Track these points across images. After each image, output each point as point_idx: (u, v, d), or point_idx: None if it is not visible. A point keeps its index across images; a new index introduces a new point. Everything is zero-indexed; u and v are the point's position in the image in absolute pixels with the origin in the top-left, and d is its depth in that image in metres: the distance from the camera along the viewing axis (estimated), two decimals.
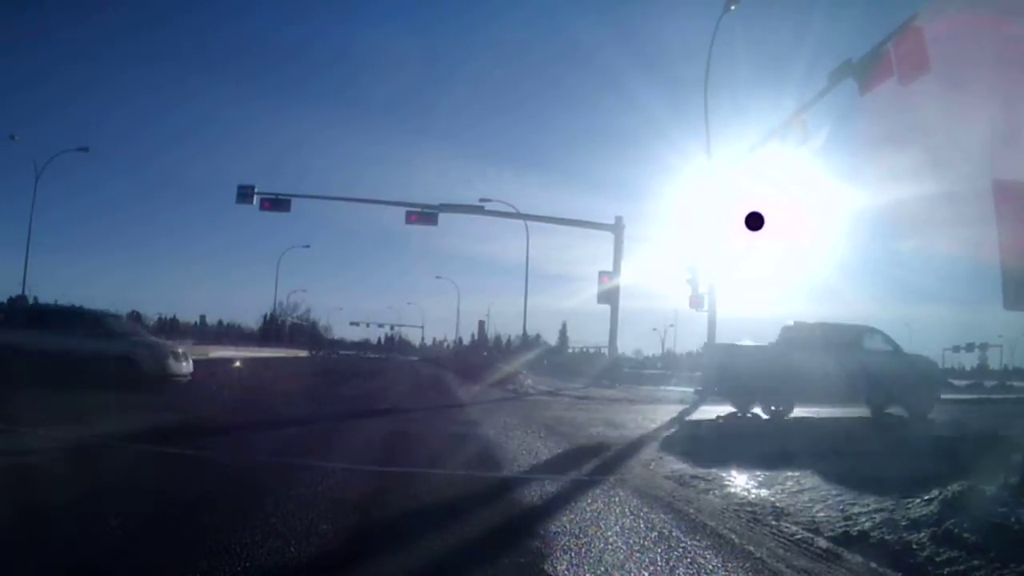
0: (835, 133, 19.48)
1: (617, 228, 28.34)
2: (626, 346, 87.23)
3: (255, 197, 27.06)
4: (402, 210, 28.34)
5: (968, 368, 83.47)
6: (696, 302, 22.16)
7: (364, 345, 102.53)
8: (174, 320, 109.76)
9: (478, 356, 45.73)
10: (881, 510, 4.33)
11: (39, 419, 7.31)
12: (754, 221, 14.49)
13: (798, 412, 12.62)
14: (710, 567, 3.30)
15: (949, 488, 4.12)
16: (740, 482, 5.64)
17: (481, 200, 31.40)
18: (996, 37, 9.14)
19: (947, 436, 8.89)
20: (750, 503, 4.87)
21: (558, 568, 3.19)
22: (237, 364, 24.91)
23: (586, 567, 3.23)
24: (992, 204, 5.14)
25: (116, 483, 4.78)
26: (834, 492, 5.08)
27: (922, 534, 3.65)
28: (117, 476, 5.04)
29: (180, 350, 13.66)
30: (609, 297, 27.68)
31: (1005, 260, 4.96)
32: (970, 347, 75.81)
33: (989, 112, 8.97)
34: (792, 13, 37.62)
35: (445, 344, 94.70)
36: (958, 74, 11.20)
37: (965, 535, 3.49)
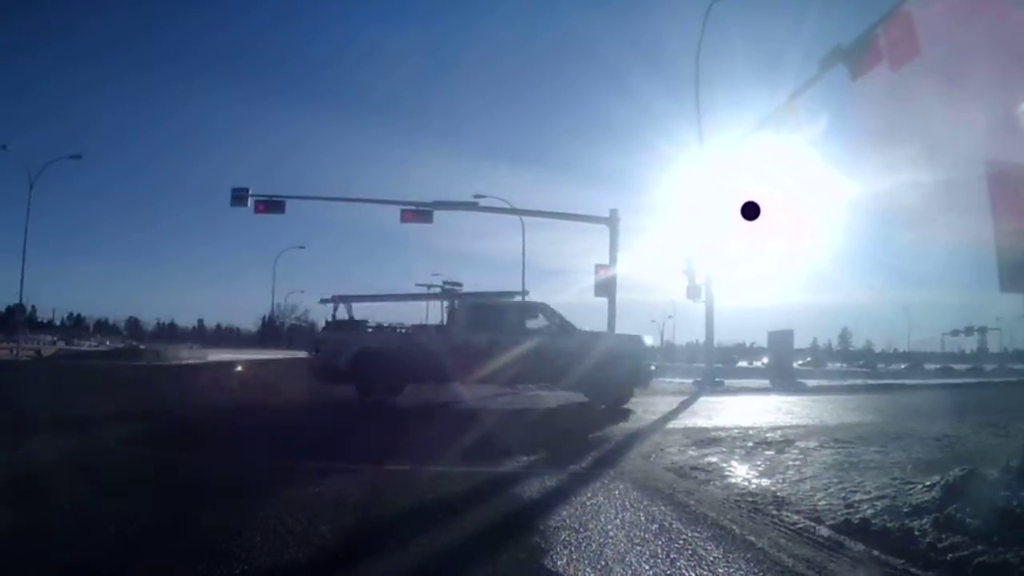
0: (831, 123, 19.41)
1: (612, 221, 28.28)
2: None
3: (249, 199, 27.00)
4: (397, 208, 28.30)
5: (968, 352, 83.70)
6: (693, 293, 22.19)
7: None
8: (172, 325, 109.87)
9: None
10: (883, 497, 4.32)
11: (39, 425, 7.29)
12: (750, 211, 14.47)
13: None
14: (711, 558, 3.28)
15: (950, 473, 4.11)
16: (741, 472, 5.62)
17: (475, 196, 31.29)
18: (989, 20, 9.11)
19: None
20: (751, 493, 4.85)
21: (558, 563, 3.17)
22: (239, 368, 24.82)
23: (586, 561, 3.21)
24: (986, 188, 5.12)
25: (115, 486, 4.75)
26: (835, 480, 5.07)
27: (924, 520, 3.63)
28: (116, 480, 5.00)
29: None
30: (606, 289, 27.65)
31: (1000, 243, 4.94)
32: (969, 331, 75.87)
33: (985, 97, 8.95)
34: (787, 3, 37.55)
35: None
36: (952, 59, 11.18)
37: (967, 520, 3.47)
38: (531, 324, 12.00)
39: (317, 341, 13.35)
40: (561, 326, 11.94)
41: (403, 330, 12.79)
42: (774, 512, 4.28)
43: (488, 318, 11.98)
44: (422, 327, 12.89)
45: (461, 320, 12.21)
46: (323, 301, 13.38)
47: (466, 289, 15.30)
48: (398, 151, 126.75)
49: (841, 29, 17.93)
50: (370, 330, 12.64)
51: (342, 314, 12.99)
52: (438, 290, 15.27)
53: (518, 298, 13.43)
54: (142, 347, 47.92)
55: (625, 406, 11.58)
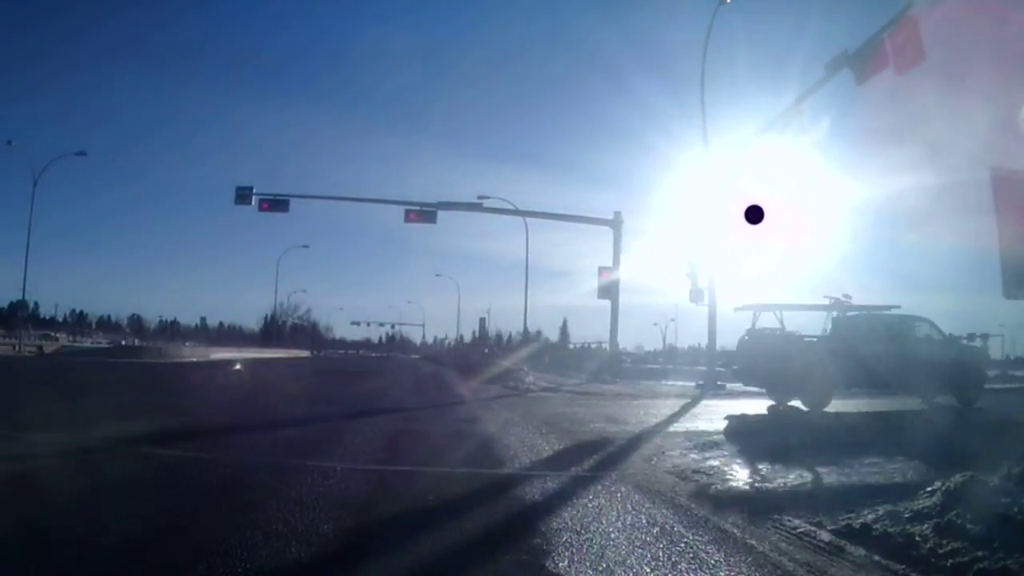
0: (835, 126, 19.36)
1: (616, 223, 28.38)
2: (627, 341, 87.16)
3: (253, 198, 27.12)
4: (401, 209, 28.45)
5: None
6: (696, 296, 22.16)
7: (365, 344, 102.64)
8: (175, 323, 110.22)
9: (479, 353, 45.72)
10: (884, 502, 4.31)
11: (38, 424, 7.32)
12: (754, 214, 14.47)
13: None
14: (712, 561, 3.29)
15: (951, 479, 4.10)
16: (742, 476, 5.62)
17: (479, 197, 31.38)
18: (994, 24, 9.10)
19: None
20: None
21: (560, 564, 3.17)
22: (237, 367, 24.87)
23: (588, 563, 3.22)
24: (990, 193, 5.12)
25: (116, 485, 4.77)
26: (836, 484, 5.06)
27: (925, 526, 3.63)
28: (117, 478, 5.02)
29: None
30: (609, 292, 27.75)
31: (1004, 248, 4.94)
32: (971, 337, 75.22)
33: (989, 101, 8.94)
34: (792, 5, 37.51)
35: (446, 342, 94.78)
36: (957, 63, 11.16)
37: (968, 526, 3.47)
38: (920, 334, 13.12)
39: (745, 348, 14.11)
40: (941, 336, 13.12)
41: (814, 339, 13.58)
42: (775, 516, 4.28)
43: (889, 329, 13.01)
44: (836, 336, 13.33)
45: (872, 331, 12.98)
46: (738, 309, 14.62)
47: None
48: (402, 152, 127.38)
49: (844, 30, 17.94)
50: (812, 339, 13.47)
51: (763, 322, 13.90)
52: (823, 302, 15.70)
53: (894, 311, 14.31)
54: (139, 344, 48.07)
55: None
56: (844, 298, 13.73)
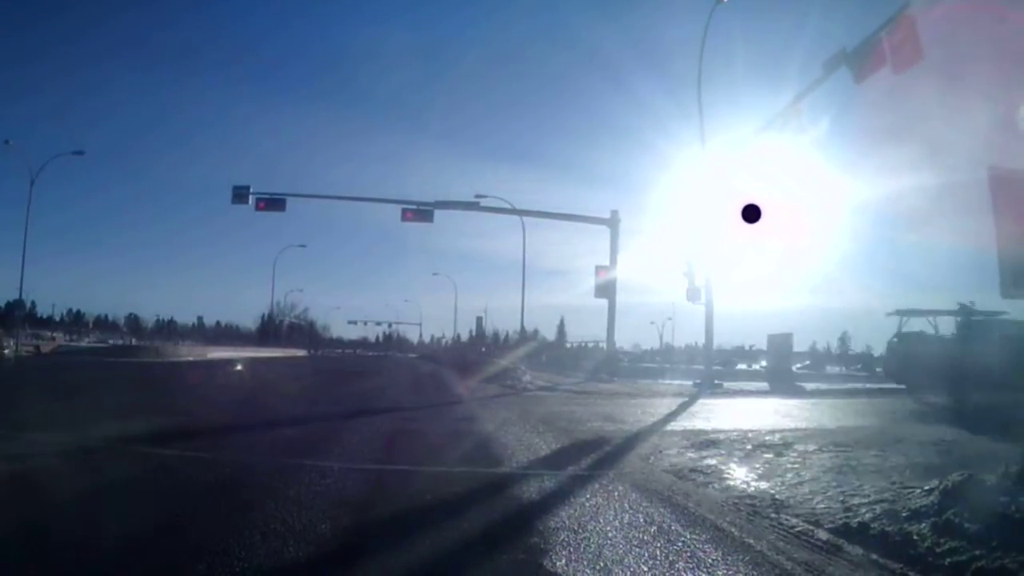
0: (834, 125, 19.37)
1: (613, 222, 28.40)
2: (624, 340, 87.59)
3: (250, 197, 27.12)
4: (398, 208, 28.48)
5: None
6: (693, 295, 22.17)
7: (362, 343, 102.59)
8: (172, 322, 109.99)
9: (476, 352, 45.74)
10: (881, 501, 4.32)
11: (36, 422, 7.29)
12: (751, 213, 14.48)
13: None
14: (710, 560, 3.29)
15: (949, 478, 4.11)
16: (739, 475, 5.62)
17: (477, 196, 31.37)
18: (992, 23, 9.11)
19: None
20: (750, 496, 4.85)
21: (557, 564, 3.17)
22: (239, 367, 24.84)
23: (585, 562, 3.21)
24: (988, 193, 5.12)
25: (115, 485, 4.76)
26: (834, 483, 5.07)
27: (923, 524, 3.64)
28: (116, 478, 5.00)
29: None
30: (606, 291, 27.78)
31: (1002, 248, 4.94)
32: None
33: (987, 100, 8.95)
34: (790, 4, 37.56)
35: (443, 341, 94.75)
36: (955, 62, 11.18)
37: (966, 525, 3.47)
38: None
39: (895, 350, 15.37)
40: None
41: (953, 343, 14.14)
42: (772, 515, 4.29)
43: (1012, 332, 13.17)
44: (968, 340, 13.74)
45: (997, 335, 13.26)
46: (889, 315, 15.56)
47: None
48: (399, 151, 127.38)
49: (842, 29, 17.94)
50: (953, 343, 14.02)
51: (910, 326, 15.07)
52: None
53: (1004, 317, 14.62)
54: (135, 343, 47.99)
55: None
56: (969, 304, 14.13)
